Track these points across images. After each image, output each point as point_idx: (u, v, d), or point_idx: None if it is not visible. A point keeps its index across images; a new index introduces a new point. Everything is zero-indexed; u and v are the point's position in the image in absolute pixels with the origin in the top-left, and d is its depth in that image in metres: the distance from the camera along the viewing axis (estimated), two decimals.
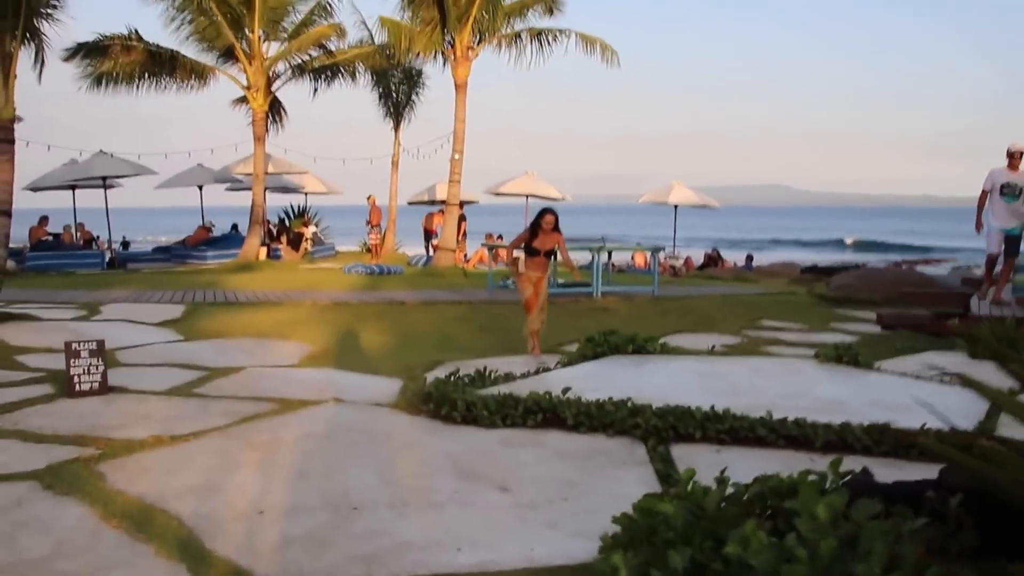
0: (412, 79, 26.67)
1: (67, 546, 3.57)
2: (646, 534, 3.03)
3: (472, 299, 13.40)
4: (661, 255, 18.00)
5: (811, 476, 3.31)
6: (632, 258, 24.77)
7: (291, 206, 29.50)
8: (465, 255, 23.70)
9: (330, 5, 22.33)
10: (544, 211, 9.19)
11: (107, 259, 21.75)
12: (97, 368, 6.36)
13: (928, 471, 4.59)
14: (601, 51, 20.42)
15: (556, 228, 9.08)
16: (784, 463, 4.73)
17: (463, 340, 9.97)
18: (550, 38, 20.78)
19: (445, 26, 19.72)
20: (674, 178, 27.69)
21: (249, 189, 23.42)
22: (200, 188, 26.57)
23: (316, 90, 24.23)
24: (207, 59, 22.23)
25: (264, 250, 22.69)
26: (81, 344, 6.35)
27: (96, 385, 6.33)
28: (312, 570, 3.37)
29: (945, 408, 5.88)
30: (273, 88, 22.62)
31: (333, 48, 22.90)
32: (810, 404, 5.91)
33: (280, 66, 22.68)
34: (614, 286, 15.28)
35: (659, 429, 5.23)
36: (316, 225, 28.72)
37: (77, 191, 24.71)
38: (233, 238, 25.10)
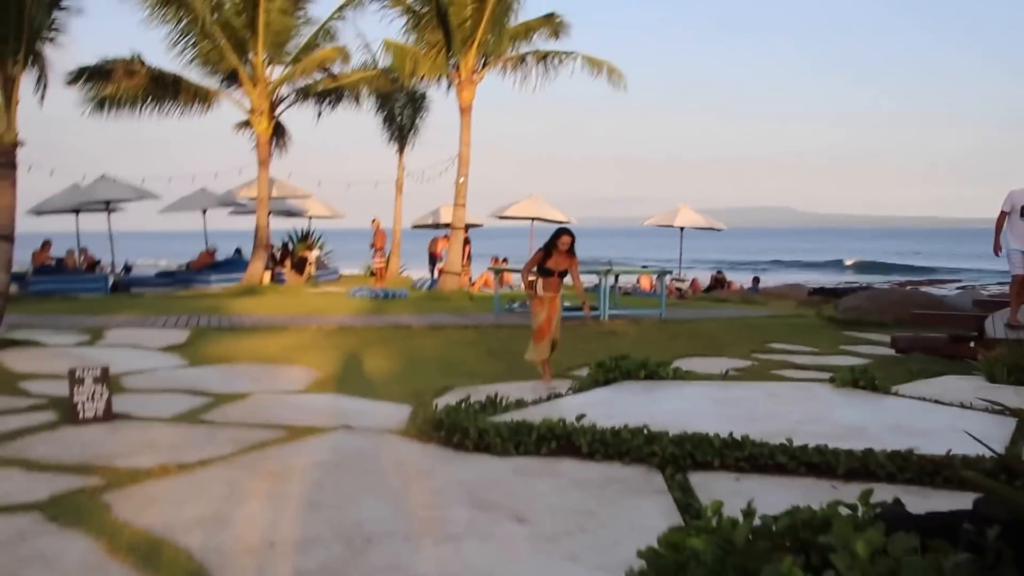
0: (416, 103, 26.71)
1: None
2: (674, 570, 2.92)
3: (479, 323, 13.30)
4: (667, 277, 17.91)
5: (842, 507, 3.18)
6: (637, 280, 24.70)
7: (295, 230, 29.48)
8: (470, 278, 23.63)
9: (334, 28, 22.35)
10: (562, 231, 8.91)
11: (111, 283, 21.67)
12: (101, 395, 6.26)
13: (956, 498, 4.48)
14: (608, 74, 20.44)
15: (571, 251, 8.84)
16: (806, 491, 4.62)
17: (471, 365, 9.87)
18: (556, 61, 20.78)
19: (450, 49, 19.74)
20: (680, 201, 27.69)
21: (253, 213, 23.36)
22: (204, 212, 26.52)
23: (320, 114, 24.25)
24: (211, 83, 22.24)
25: (268, 274, 22.61)
26: (85, 371, 6.25)
27: (100, 412, 6.23)
28: None
29: (966, 433, 5.78)
30: (277, 112, 22.59)
31: (337, 71, 22.89)
32: (829, 430, 5.79)
33: (284, 90, 22.65)
34: (621, 309, 15.19)
35: (677, 457, 5.11)
36: (320, 249, 28.66)
37: (80, 215, 24.69)
38: (237, 262, 25.01)
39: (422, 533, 4.02)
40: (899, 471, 4.84)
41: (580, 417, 5.70)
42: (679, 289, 24.47)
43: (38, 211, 23.35)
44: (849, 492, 4.65)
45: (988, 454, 4.88)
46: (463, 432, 5.59)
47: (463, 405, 6.22)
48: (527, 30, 20.93)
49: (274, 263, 24.26)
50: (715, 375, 8.95)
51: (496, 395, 6.69)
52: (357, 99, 24.27)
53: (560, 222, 24.57)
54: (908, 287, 32.27)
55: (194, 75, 21.72)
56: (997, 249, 10.55)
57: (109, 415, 6.26)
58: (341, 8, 21.42)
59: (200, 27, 20.25)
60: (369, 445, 5.75)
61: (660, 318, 14.39)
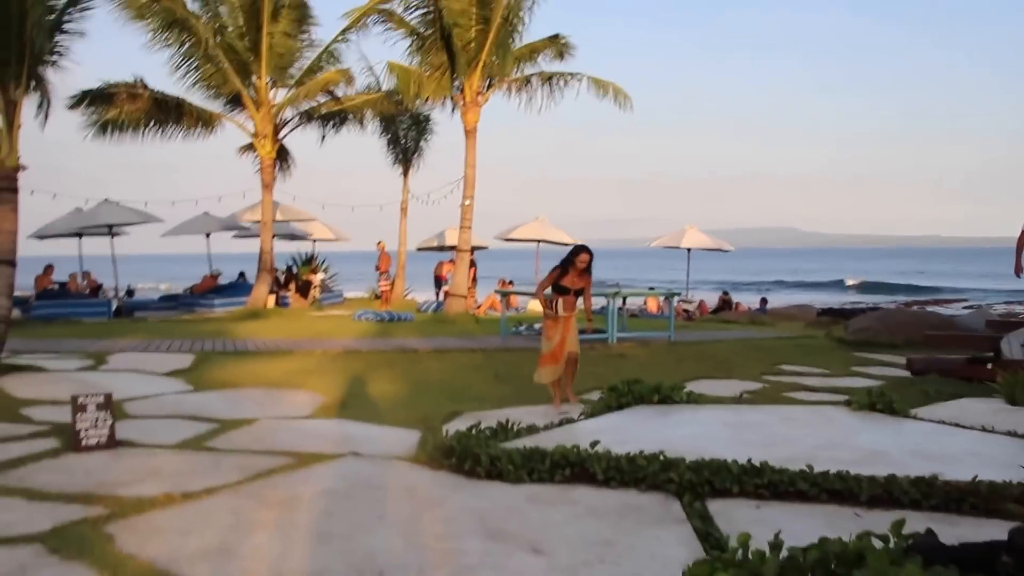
0: (421, 125, 26.70)
1: None
2: None
3: (485, 346, 13.17)
4: (675, 299, 17.79)
5: (873, 539, 3.05)
6: (644, 302, 24.58)
7: (299, 253, 29.41)
8: (476, 301, 23.52)
9: (338, 51, 22.35)
10: (580, 248, 8.68)
11: (114, 307, 21.59)
12: (104, 421, 6.14)
13: (984, 527, 4.35)
14: (614, 95, 20.41)
15: (588, 270, 8.64)
16: (829, 519, 4.50)
17: (479, 389, 9.74)
18: (561, 82, 20.74)
19: (454, 71, 19.70)
20: (685, 222, 27.62)
21: (256, 236, 23.29)
22: (207, 236, 26.46)
23: (324, 136, 24.26)
24: (214, 106, 22.21)
25: (273, 298, 22.52)
26: (88, 397, 6.14)
27: (104, 439, 6.11)
28: None
29: (990, 457, 5.66)
30: (281, 135, 22.57)
31: (341, 94, 22.87)
32: (848, 455, 5.65)
33: (288, 113, 22.65)
34: (629, 332, 15.08)
35: (694, 484, 4.97)
36: (324, 272, 28.58)
37: (83, 239, 24.63)
38: (241, 286, 24.93)
39: (436, 565, 3.89)
40: (924, 498, 4.71)
41: (594, 443, 5.56)
42: (687, 311, 24.35)
43: (41, 235, 23.29)
44: (873, 519, 4.53)
45: (1016, 480, 4.76)
46: (475, 459, 5.46)
47: (474, 431, 6.09)
48: (532, 51, 20.89)
49: (278, 287, 24.18)
50: (727, 398, 8.81)
51: (507, 421, 6.56)
52: (361, 122, 24.29)
53: (566, 244, 24.52)
54: (914, 307, 32.10)
55: (197, 98, 21.74)
56: (1019, 270, 10.26)
57: (112, 442, 6.14)
58: (345, 31, 21.40)
59: (203, 50, 20.25)
60: (378, 472, 5.62)
61: (669, 340, 14.26)
